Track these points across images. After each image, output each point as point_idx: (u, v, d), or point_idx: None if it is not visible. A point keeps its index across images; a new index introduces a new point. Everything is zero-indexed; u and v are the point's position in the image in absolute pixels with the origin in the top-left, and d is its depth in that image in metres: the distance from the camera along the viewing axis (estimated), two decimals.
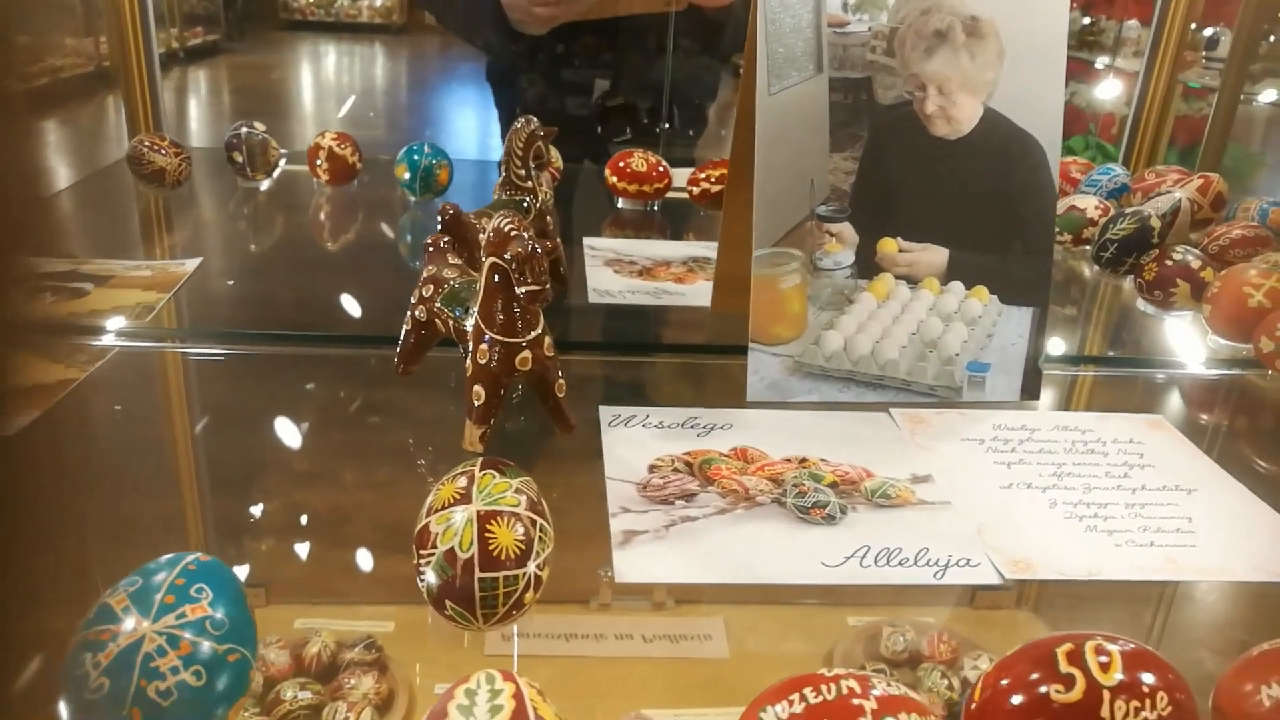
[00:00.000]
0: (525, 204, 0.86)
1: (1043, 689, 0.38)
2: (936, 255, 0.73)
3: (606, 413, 0.69)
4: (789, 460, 0.64)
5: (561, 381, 0.64)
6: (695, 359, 0.81)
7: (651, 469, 0.62)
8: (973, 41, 0.71)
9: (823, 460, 0.64)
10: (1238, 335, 0.84)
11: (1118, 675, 0.37)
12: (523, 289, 0.59)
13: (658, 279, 0.96)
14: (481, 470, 0.48)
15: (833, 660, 0.50)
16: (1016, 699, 0.38)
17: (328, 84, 6.18)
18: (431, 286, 0.68)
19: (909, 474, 0.64)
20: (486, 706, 0.33)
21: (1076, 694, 0.37)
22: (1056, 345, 0.89)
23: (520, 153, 0.86)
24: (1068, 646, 0.39)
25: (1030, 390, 0.74)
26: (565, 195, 1.28)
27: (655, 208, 1.21)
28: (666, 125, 1.60)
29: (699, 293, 0.93)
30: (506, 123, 1.46)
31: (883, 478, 0.63)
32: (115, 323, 0.79)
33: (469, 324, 0.62)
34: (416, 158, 1.10)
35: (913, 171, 0.72)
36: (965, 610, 0.55)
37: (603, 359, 0.82)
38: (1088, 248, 1.06)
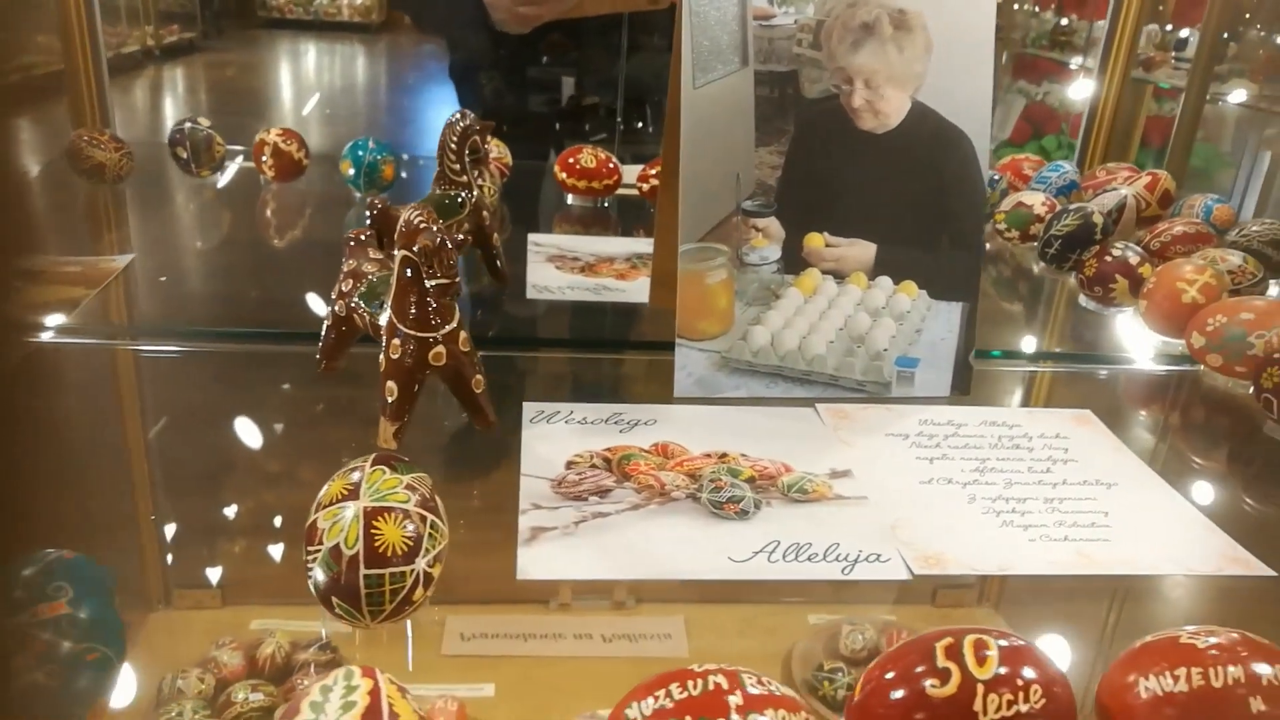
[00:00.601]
0: (460, 199, 0.85)
1: (919, 684, 0.37)
2: (864, 250, 0.73)
3: (530, 409, 0.68)
4: (709, 455, 0.64)
5: (479, 378, 0.63)
6: (628, 355, 0.81)
7: (569, 465, 0.62)
8: (900, 34, 0.71)
9: (743, 455, 0.64)
10: (1172, 330, 0.85)
11: (994, 670, 0.37)
12: (432, 282, 0.58)
13: (599, 275, 0.95)
14: (372, 466, 0.48)
15: (792, 658, 0.49)
16: (895, 693, 0.38)
17: (305, 82, 6.15)
18: (351, 281, 0.67)
19: (828, 469, 0.63)
20: (339, 703, 0.32)
21: (951, 688, 0.37)
22: (995, 341, 0.89)
23: (454, 147, 0.86)
24: (947, 641, 0.38)
25: (961, 385, 0.74)
26: (521, 191, 1.27)
27: (606, 204, 1.20)
28: (639, 124, 1.59)
29: (639, 289, 0.92)
30: None
31: (801, 473, 0.62)
32: (36, 319, 0.77)
33: (383, 319, 0.62)
34: (361, 153, 1.09)
35: (839, 166, 0.72)
36: (927, 608, 0.55)
37: (535, 355, 0.81)
38: (1036, 244, 1.06)
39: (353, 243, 0.70)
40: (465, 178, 0.86)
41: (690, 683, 0.35)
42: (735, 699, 0.35)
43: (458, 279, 0.58)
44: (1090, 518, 0.60)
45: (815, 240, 0.72)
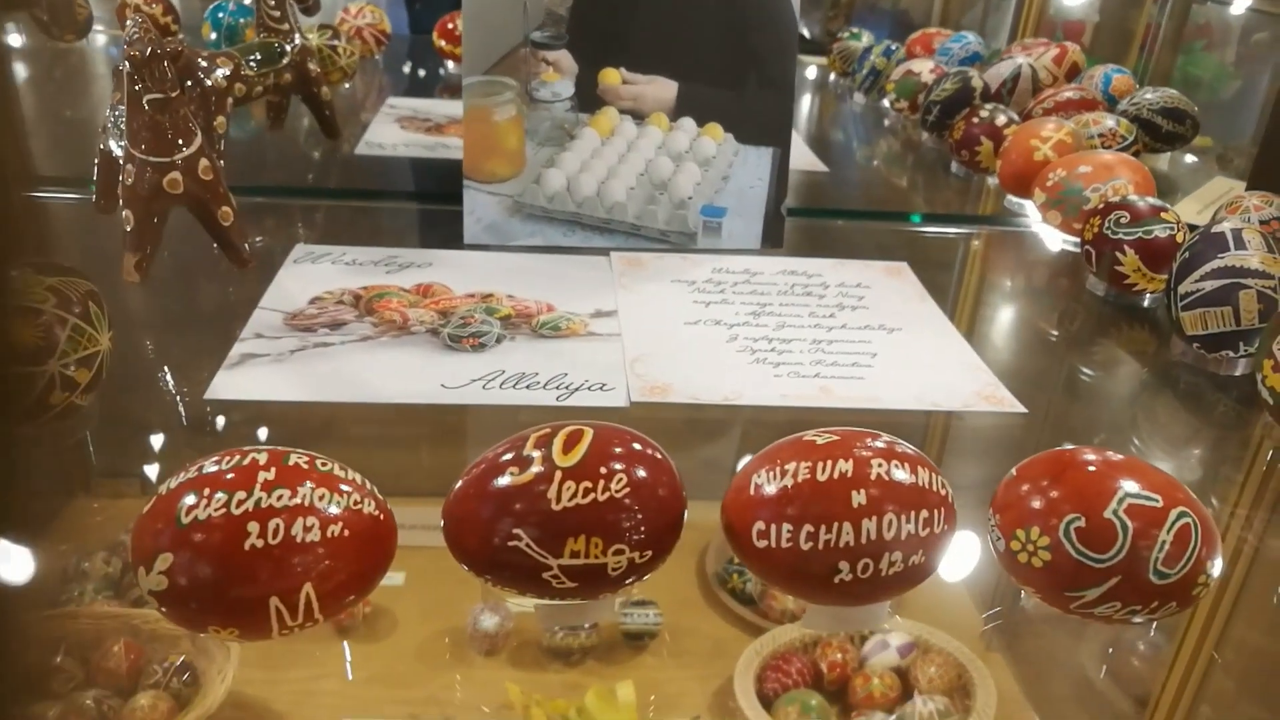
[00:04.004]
0: (279, 48, 0.81)
1: (503, 471, 0.35)
2: (664, 88, 0.69)
3: (300, 250, 0.66)
4: (472, 296, 0.61)
5: (228, 209, 0.60)
6: (435, 206, 0.77)
7: (312, 301, 0.59)
8: None
9: (508, 296, 0.61)
10: (1024, 190, 0.80)
11: (578, 458, 0.35)
12: (147, 96, 0.55)
13: (444, 135, 0.92)
14: (18, 271, 0.45)
15: (707, 551, 0.47)
16: (484, 482, 0.35)
17: None
18: (114, 113, 0.64)
19: (593, 309, 0.60)
20: None
21: (528, 476, 0.34)
22: (849, 204, 0.85)
23: None
24: (544, 431, 0.36)
25: (772, 237, 0.71)
26: (408, 59, 1.24)
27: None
28: None
29: None
30: None
31: (562, 312, 0.60)
32: None
33: (123, 147, 0.59)
34: (221, 15, 1.05)
35: None
36: None
37: (336, 204, 0.78)
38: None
39: (121, 74, 0.66)
40: (286, 26, 0.82)
41: (227, 458, 0.33)
42: (267, 474, 0.32)
43: (174, 94, 0.55)
44: (854, 359, 0.57)
45: (611, 76, 0.68)
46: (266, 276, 0.62)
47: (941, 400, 0.53)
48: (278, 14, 0.82)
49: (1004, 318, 0.69)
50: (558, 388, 0.52)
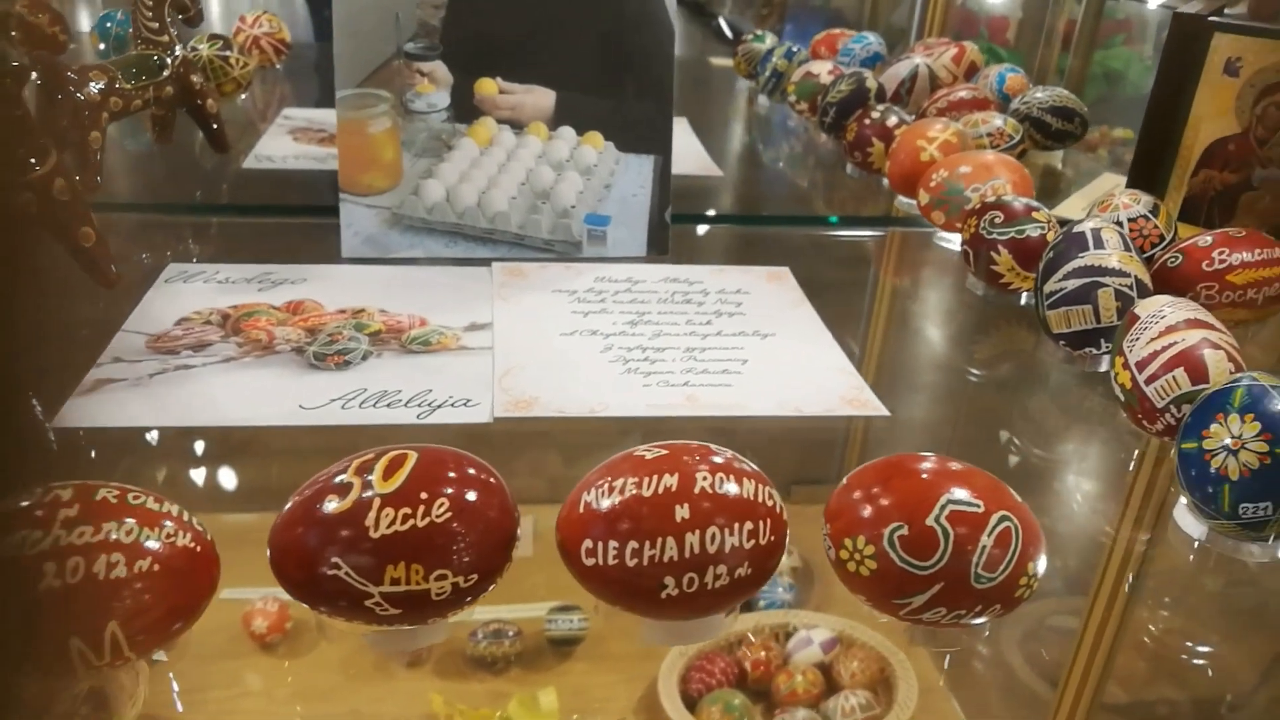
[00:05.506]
0: (159, 60, 0.79)
1: (322, 500, 0.34)
2: (542, 97, 0.68)
3: (173, 269, 0.64)
4: (344, 311, 0.60)
5: (88, 230, 0.59)
6: (318, 220, 0.76)
7: (179, 322, 0.58)
8: None
9: (381, 311, 0.61)
10: (912, 191, 0.81)
11: (398, 484, 0.34)
12: None
13: None
14: None
15: None
16: (303, 511, 0.35)
17: None
18: None
19: (468, 322, 0.60)
20: None
21: (347, 503, 0.34)
22: (744, 208, 0.86)
23: (149, 4, 0.80)
24: (367, 457, 0.35)
25: (658, 244, 0.71)
26: (319, 70, 1.22)
27: None
28: None
29: None
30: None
31: (435, 325, 0.59)
32: None
33: None
34: (109, 25, 1.03)
35: (509, 5, 0.67)
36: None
37: (214, 220, 0.77)
38: None
39: None
40: (165, 38, 0.80)
41: (31, 496, 0.32)
42: (69, 511, 0.32)
43: (16, 112, 0.54)
44: (725, 365, 0.57)
45: (487, 86, 0.68)
46: (135, 297, 0.61)
47: (804, 406, 0.54)
48: (155, 26, 0.80)
49: (884, 319, 0.69)
50: (420, 405, 0.51)
